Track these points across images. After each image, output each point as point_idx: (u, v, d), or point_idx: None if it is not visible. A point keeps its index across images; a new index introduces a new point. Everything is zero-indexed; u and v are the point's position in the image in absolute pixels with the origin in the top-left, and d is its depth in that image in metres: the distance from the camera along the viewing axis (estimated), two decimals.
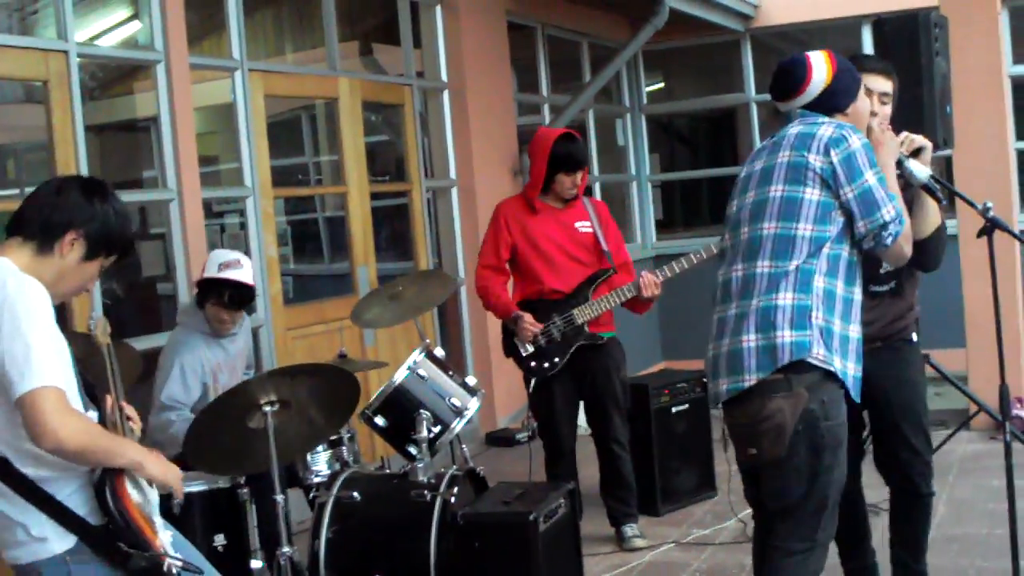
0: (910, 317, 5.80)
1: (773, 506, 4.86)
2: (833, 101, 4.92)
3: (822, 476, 4.76)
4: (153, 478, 4.13)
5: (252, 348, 7.25)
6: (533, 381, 7.62)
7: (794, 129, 4.85)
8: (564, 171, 7.53)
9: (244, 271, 6.65)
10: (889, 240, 4.69)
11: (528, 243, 7.62)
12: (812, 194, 4.69)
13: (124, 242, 4.26)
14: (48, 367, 3.79)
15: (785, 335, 4.65)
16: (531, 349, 7.59)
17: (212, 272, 6.63)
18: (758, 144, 5.10)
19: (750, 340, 4.70)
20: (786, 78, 4.97)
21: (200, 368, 6.60)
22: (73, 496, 3.96)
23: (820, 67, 4.91)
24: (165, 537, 4.15)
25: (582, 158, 7.62)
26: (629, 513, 7.76)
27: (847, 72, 4.97)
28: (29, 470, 3.89)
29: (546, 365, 7.59)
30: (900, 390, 5.72)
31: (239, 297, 6.65)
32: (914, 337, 5.85)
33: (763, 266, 4.75)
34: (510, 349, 7.71)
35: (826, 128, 4.76)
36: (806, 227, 4.69)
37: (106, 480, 3.97)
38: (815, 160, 4.69)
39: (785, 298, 4.67)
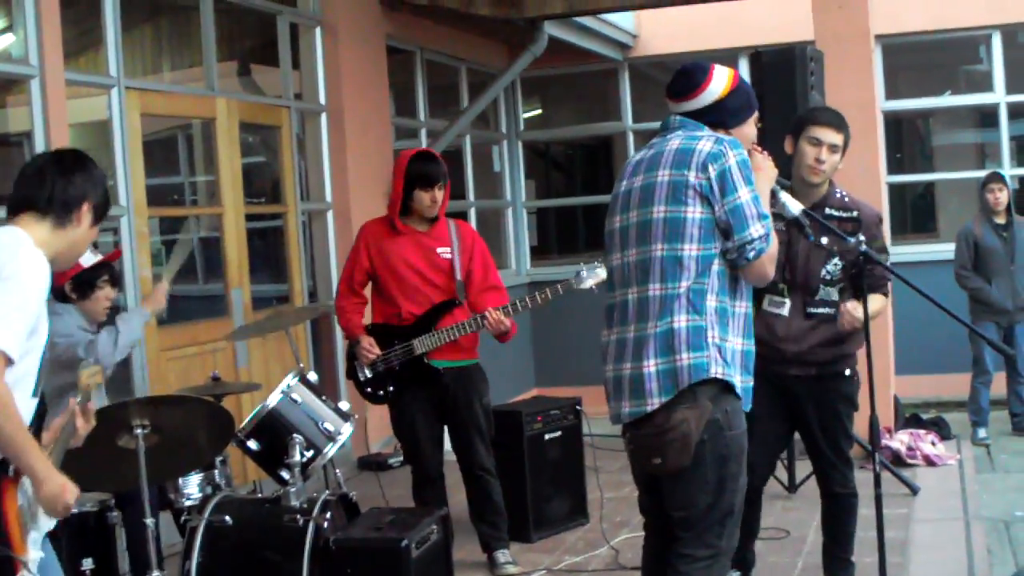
0: (849, 347, 6.08)
1: (679, 515, 4.89)
2: (721, 116, 4.97)
3: (729, 484, 4.84)
4: (42, 502, 4.08)
5: None
6: (390, 409, 7.60)
7: (674, 143, 4.87)
8: (420, 187, 7.40)
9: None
10: (751, 255, 4.74)
11: (385, 266, 7.51)
12: (694, 212, 4.73)
13: (108, 202, 4.48)
14: (9, 332, 3.84)
15: (684, 358, 4.70)
16: (369, 374, 7.53)
17: (89, 261, 6.66)
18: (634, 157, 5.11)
19: (650, 365, 4.75)
20: (684, 79, 5.02)
21: (73, 333, 6.49)
22: None
23: (720, 79, 4.98)
24: (34, 553, 4.11)
25: (437, 174, 7.46)
26: (501, 538, 7.70)
27: (745, 94, 5.05)
28: None
29: (380, 392, 7.55)
30: (822, 415, 6.32)
31: (117, 273, 6.95)
32: (847, 372, 6.30)
33: (655, 289, 4.78)
34: (351, 372, 7.66)
35: (705, 142, 4.80)
36: (692, 247, 4.73)
37: None
38: (694, 177, 4.73)
39: (680, 321, 4.72)
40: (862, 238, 5.83)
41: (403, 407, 7.57)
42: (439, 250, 7.52)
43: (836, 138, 6.09)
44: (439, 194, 7.45)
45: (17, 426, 3.92)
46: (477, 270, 7.60)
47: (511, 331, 7.47)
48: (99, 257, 6.78)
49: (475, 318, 7.38)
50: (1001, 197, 11.39)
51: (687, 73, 5.02)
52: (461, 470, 7.71)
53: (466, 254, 7.57)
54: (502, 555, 7.64)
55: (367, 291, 7.71)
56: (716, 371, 4.71)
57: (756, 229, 4.73)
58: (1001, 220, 11.43)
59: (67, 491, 4.10)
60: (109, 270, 6.74)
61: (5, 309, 3.84)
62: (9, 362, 3.84)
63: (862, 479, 8.79)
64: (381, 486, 8.09)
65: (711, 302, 4.75)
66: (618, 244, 4.99)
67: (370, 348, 7.46)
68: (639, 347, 4.81)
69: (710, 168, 4.72)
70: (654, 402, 4.74)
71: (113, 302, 6.81)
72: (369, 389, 7.56)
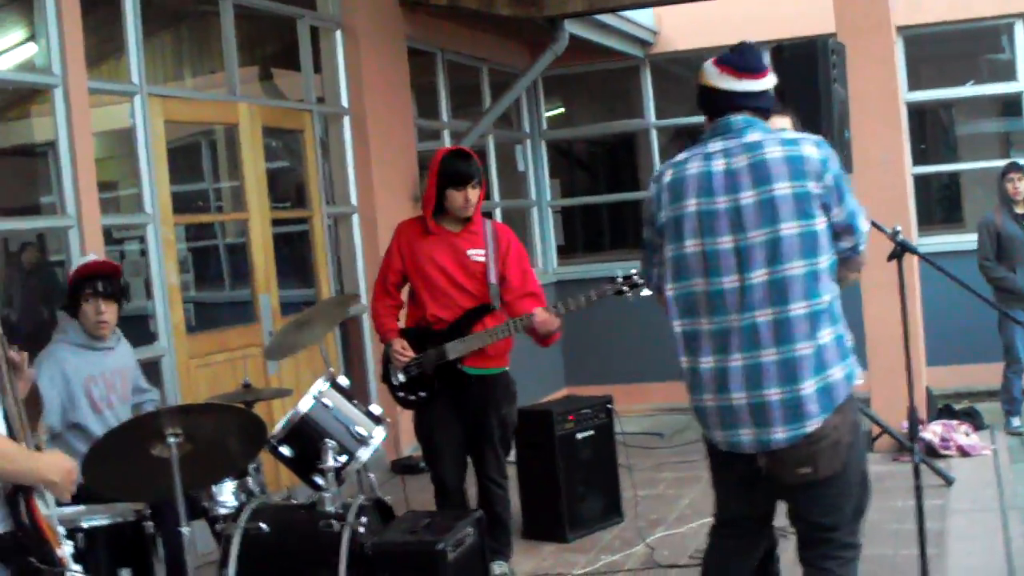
0: None
1: (827, 520, 4.80)
2: (771, 103, 4.89)
3: (866, 480, 4.93)
4: (58, 490, 4.08)
5: (139, 370, 7.13)
6: (414, 412, 7.55)
7: (774, 151, 4.68)
8: (453, 186, 7.23)
9: (106, 263, 6.79)
10: (863, 246, 4.75)
11: (415, 267, 7.38)
12: (821, 223, 4.63)
13: None
14: None
15: (836, 372, 4.62)
16: (403, 378, 7.41)
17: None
18: (660, 166, 5.00)
19: (808, 386, 4.59)
20: (755, 57, 4.87)
21: (60, 375, 6.43)
22: None
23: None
24: (67, 548, 4.12)
25: (470, 172, 7.27)
26: (497, 550, 7.47)
27: None
28: None
29: (412, 398, 7.43)
30: None
31: (111, 286, 6.61)
32: None
33: (799, 308, 4.61)
34: (385, 376, 7.56)
35: (808, 147, 4.68)
36: (824, 259, 4.64)
37: (20, 491, 3.92)
38: (815, 187, 4.61)
39: (826, 335, 4.61)
40: (899, 228, 5.78)
41: (426, 413, 7.49)
42: (470, 252, 7.35)
43: None
44: (472, 193, 7.27)
45: (17, 460, 3.91)
46: (514, 275, 7.41)
47: (557, 334, 7.34)
48: (87, 260, 6.75)
49: (520, 319, 7.21)
50: (1020, 187, 11.41)
51: (756, 52, 4.88)
52: (476, 477, 7.62)
53: (501, 257, 7.38)
54: (498, 567, 7.44)
55: (404, 294, 7.59)
56: (859, 374, 4.68)
57: (863, 223, 4.72)
58: (1021, 209, 11.44)
59: (67, 467, 4.12)
60: (92, 284, 6.58)
61: None
62: None
63: (897, 471, 8.79)
64: (405, 491, 8.03)
65: (838, 308, 4.70)
66: (732, 266, 4.71)
67: (402, 351, 7.34)
68: (789, 370, 4.61)
69: (827, 176, 4.63)
70: (814, 423, 4.60)
71: (106, 322, 6.63)
72: (402, 394, 7.46)
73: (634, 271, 7.04)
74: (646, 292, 6.78)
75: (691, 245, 4.78)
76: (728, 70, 4.83)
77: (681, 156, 4.91)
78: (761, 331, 4.64)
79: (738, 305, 4.69)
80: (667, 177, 4.90)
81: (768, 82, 4.85)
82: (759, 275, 4.64)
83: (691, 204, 4.78)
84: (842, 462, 4.68)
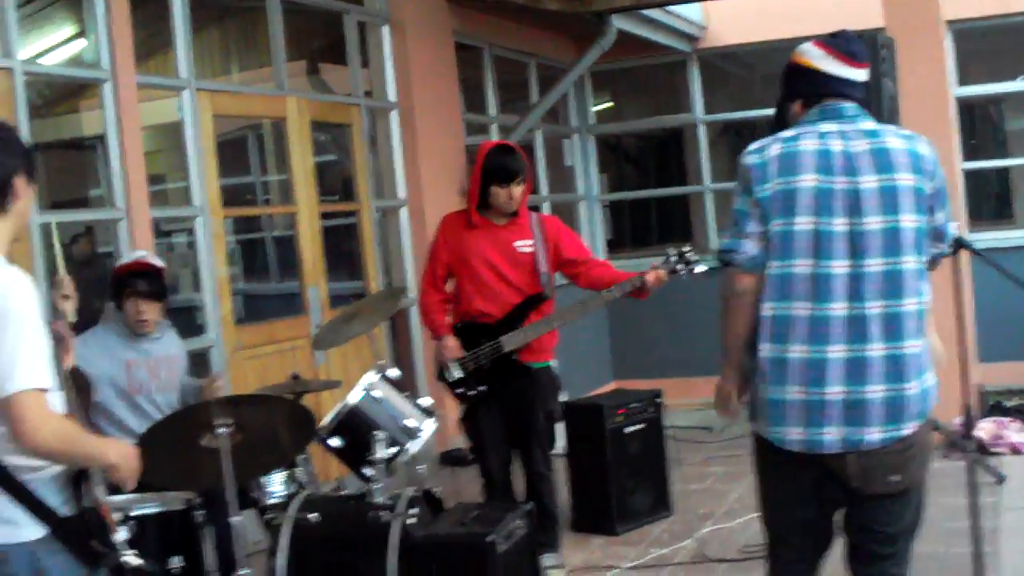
0: None
1: (891, 530, 4.60)
2: (865, 96, 4.63)
3: (926, 491, 4.69)
4: (123, 478, 4.09)
5: (186, 364, 7.11)
6: (463, 407, 7.50)
7: (893, 141, 4.48)
8: (497, 183, 7.16)
9: (153, 259, 6.71)
10: (948, 251, 4.64)
11: (461, 262, 7.32)
12: (927, 222, 4.46)
13: (32, 156, 4.18)
14: (34, 368, 3.76)
15: (930, 377, 4.46)
16: (458, 375, 7.34)
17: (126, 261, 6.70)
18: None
19: (910, 387, 4.39)
20: (861, 45, 4.65)
21: (102, 349, 6.44)
22: (48, 484, 3.89)
23: None
24: (122, 534, 4.15)
25: (516, 169, 7.18)
26: (546, 543, 7.39)
27: None
28: (6, 456, 3.83)
29: (471, 393, 7.35)
30: None
31: (152, 285, 6.53)
32: None
33: (910, 303, 4.39)
34: (440, 373, 7.50)
35: (923, 145, 4.49)
36: (927, 259, 4.49)
37: (82, 474, 3.94)
38: (928, 186, 4.43)
39: (925, 336, 4.46)
40: (956, 224, 5.72)
41: (472, 407, 7.45)
42: (517, 244, 7.28)
43: None
44: (516, 190, 7.20)
45: (80, 442, 3.91)
46: (580, 252, 7.40)
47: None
48: (132, 258, 6.74)
49: (630, 281, 7.04)
50: None
51: (861, 41, 4.67)
52: (523, 471, 7.58)
53: (550, 247, 7.30)
54: (547, 559, 7.41)
55: (450, 287, 7.53)
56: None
57: (952, 227, 4.60)
58: None
59: (130, 453, 4.12)
60: (133, 283, 6.52)
61: (23, 351, 3.76)
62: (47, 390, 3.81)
63: (948, 468, 8.72)
64: (455, 483, 8.02)
65: None
66: (843, 250, 4.42)
67: (454, 349, 7.29)
68: (895, 367, 4.39)
69: (937, 179, 4.46)
70: (911, 426, 4.41)
71: (147, 319, 6.55)
72: (461, 389, 7.39)
73: (687, 248, 6.96)
74: (700, 268, 6.77)
75: (803, 222, 4.47)
76: (835, 53, 4.61)
77: (788, 133, 4.62)
78: (870, 323, 4.39)
79: (847, 293, 4.42)
80: (774, 150, 4.56)
81: (867, 74, 4.63)
82: (874, 264, 4.40)
83: (808, 179, 4.48)
84: (927, 472, 4.56)
